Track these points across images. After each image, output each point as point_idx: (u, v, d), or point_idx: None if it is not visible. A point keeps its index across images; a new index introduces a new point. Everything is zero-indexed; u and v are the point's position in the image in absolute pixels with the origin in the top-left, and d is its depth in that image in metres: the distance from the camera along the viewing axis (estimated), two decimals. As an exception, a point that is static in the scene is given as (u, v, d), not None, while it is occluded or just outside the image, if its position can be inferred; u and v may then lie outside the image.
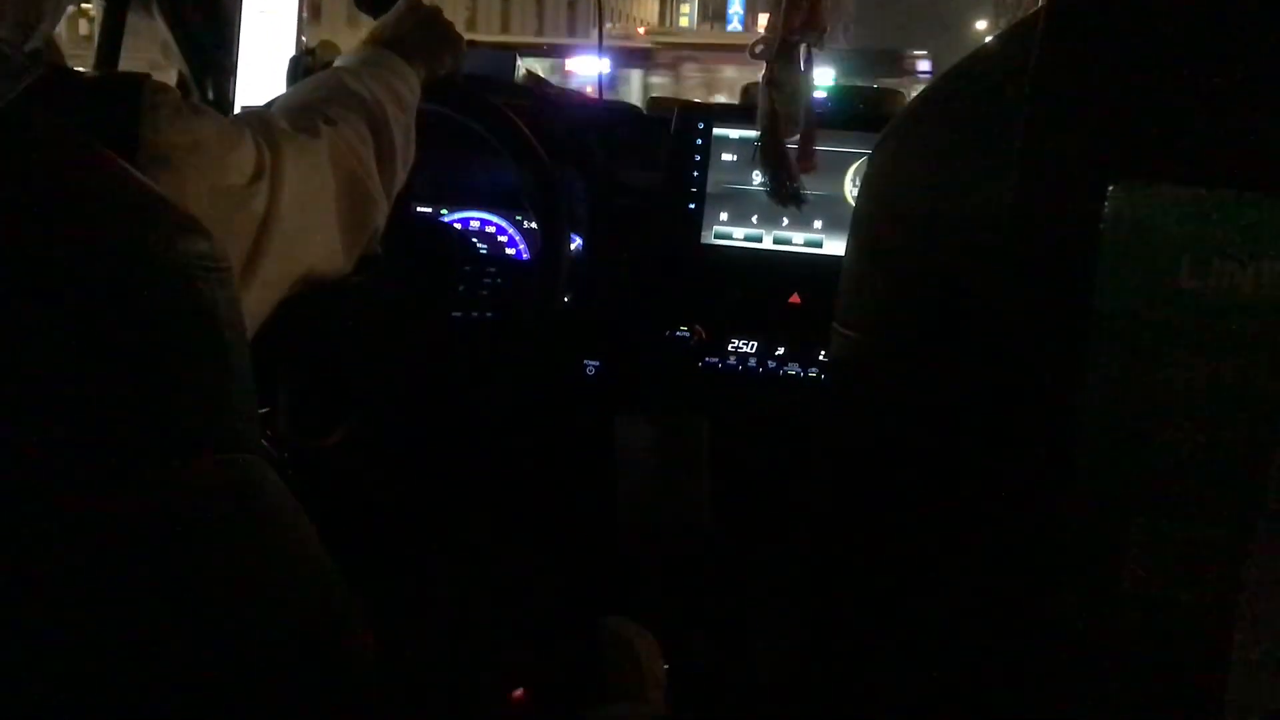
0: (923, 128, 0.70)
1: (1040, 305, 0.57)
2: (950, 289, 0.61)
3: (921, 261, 0.65)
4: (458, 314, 1.41)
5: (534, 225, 1.61)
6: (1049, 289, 0.56)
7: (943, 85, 0.72)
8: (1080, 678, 0.59)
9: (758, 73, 1.18)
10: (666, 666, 1.13)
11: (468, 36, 1.31)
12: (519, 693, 1.21)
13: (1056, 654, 0.59)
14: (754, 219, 1.53)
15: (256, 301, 0.80)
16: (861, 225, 0.76)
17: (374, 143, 0.98)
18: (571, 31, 24.47)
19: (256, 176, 0.79)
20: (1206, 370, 0.55)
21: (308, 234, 0.87)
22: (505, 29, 22.32)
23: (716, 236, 1.54)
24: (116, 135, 0.65)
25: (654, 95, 7.88)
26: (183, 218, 0.56)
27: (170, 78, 1.82)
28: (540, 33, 23.49)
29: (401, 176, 1.06)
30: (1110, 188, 0.54)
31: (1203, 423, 0.55)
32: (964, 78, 0.69)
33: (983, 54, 0.69)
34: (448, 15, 1.21)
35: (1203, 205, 0.54)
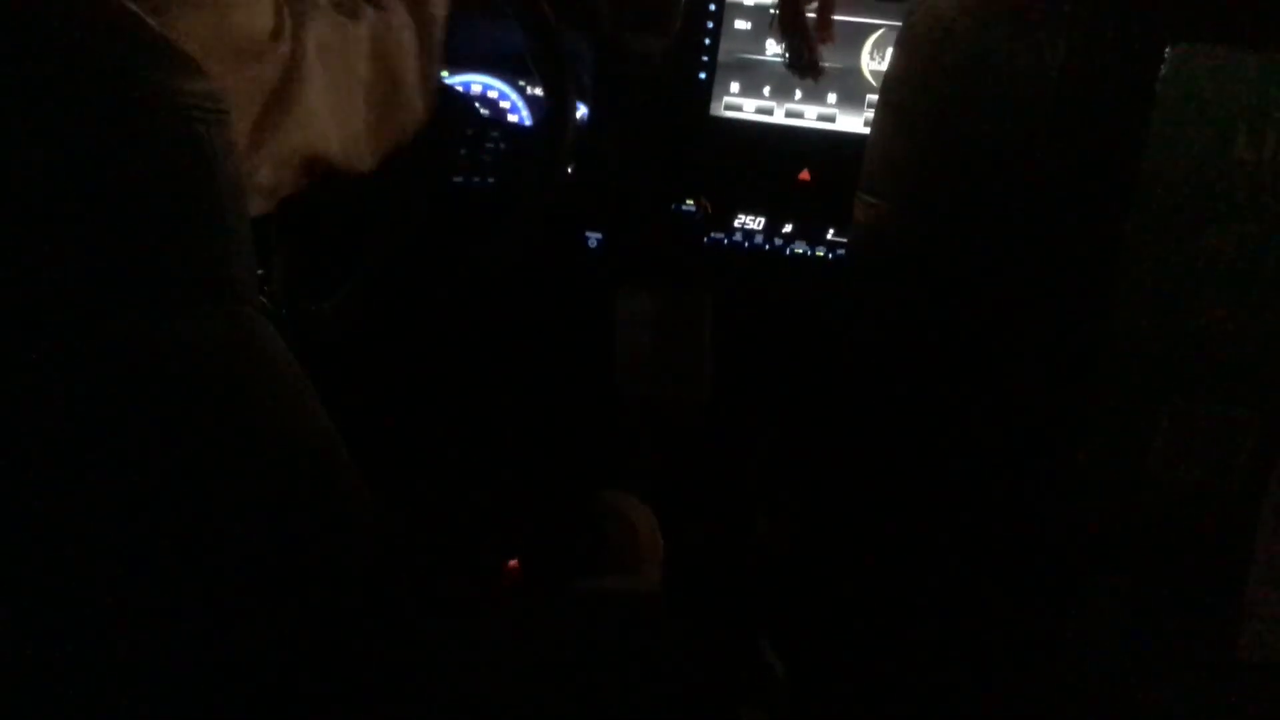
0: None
1: (1085, 170, 0.54)
2: (989, 151, 0.59)
3: (959, 124, 0.62)
4: (459, 178, 1.37)
5: (537, 91, 1.56)
6: (1096, 153, 0.54)
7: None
8: (1100, 564, 0.58)
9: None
10: (663, 541, 1.13)
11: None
12: (513, 563, 1.21)
13: (1076, 541, 0.58)
14: (766, 91, 1.48)
15: (268, 178, 0.77)
16: (894, 89, 0.73)
17: (418, 37, 0.93)
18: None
19: (273, 38, 0.74)
20: (1253, 245, 0.53)
21: (329, 119, 0.82)
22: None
23: (726, 108, 1.49)
24: None
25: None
26: (178, 55, 0.53)
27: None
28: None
29: (437, 79, 1.00)
30: (1168, 50, 0.51)
31: (1244, 299, 0.53)
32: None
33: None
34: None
35: (1266, 72, 0.51)
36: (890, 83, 0.75)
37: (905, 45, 0.74)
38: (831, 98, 1.46)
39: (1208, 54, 0.51)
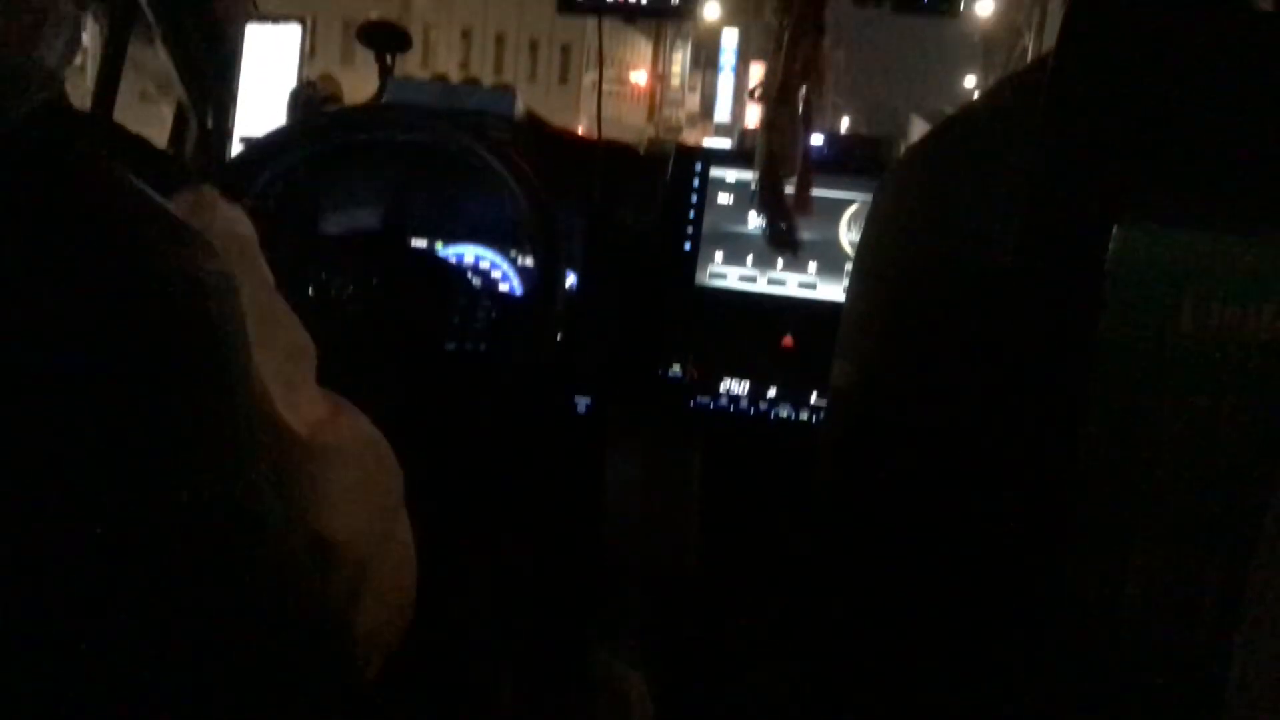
0: (927, 167, 0.71)
1: (1043, 342, 0.57)
2: (952, 322, 0.62)
3: (924, 295, 0.66)
4: (451, 345, 1.41)
5: (528, 262, 1.61)
6: (1053, 327, 0.57)
7: (945, 130, 0.73)
8: (1080, 703, 0.59)
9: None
10: (652, 708, 1.12)
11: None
12: (501, 731, 1.20)
13: (1057, 682, 0.59)
14: (749, 261, 1.54)
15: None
16: (865, 260, 0.77)
17: None
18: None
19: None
20: (1205, 407, 0.56)
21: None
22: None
23: (711, 277, 1.55)
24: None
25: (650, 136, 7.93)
26: (191, 234, 0.56)
27: (162, 111, 1.83)
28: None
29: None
30: (1115, 229, 0.55)
31: (1201, 460, 0.56)
32: (966, 123, 0.70)
33: (983, 102, 0.71)
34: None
35: (1205, 248, 0.55)
36: (861, 251, 0.79)
37: (872, 216, 0.78)
38: (812, 267, 1.52)
39: (1151, 233, 0.55)
